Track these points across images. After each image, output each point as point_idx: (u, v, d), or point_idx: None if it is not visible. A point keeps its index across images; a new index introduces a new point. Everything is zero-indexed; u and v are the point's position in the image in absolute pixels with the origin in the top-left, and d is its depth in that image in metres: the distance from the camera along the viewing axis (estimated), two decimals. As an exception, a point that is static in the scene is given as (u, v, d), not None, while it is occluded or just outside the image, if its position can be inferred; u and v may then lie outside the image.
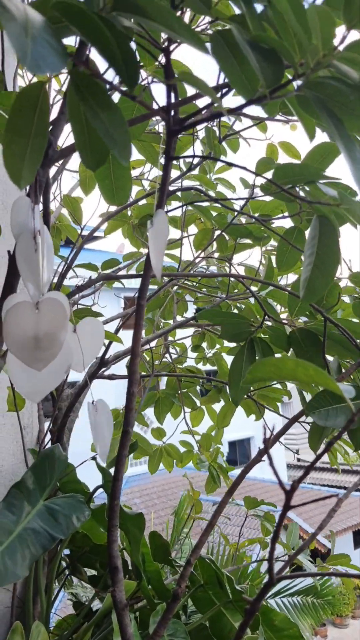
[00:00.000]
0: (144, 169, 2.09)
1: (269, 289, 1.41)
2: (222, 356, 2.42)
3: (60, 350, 0.70)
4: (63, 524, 1.12)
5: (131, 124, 1.01)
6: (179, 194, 1.76)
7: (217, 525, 2.13)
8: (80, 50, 0.69)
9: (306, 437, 1.13)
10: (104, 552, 1.52)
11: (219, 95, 0.91)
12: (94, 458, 1.41)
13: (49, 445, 1.62)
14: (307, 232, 0.90)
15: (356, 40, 0.56)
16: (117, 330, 1.82)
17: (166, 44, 0.69)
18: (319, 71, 0.57)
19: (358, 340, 1.15)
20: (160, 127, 1.47)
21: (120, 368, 1.99)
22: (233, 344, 1.67)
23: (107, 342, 1.57)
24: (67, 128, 0.74)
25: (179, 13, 0.82)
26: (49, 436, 1.65)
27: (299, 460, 17.93)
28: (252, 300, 1.63)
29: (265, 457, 0.65)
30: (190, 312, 2.32)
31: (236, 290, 1.99)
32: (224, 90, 0.90)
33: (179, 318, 2.32)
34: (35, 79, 1.41)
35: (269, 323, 1.29)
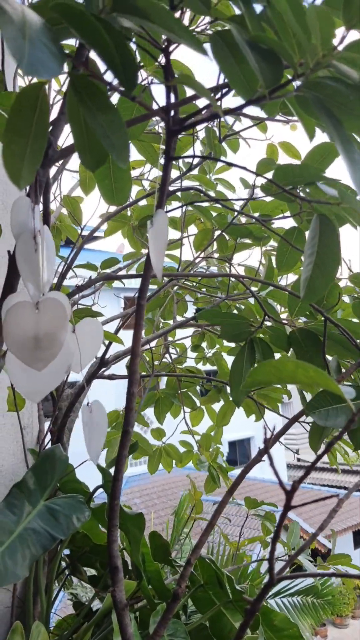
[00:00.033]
0: (143, 169, 2.09)
1: (269, 289, 1.40)
2: (221, 356, 2.42)
3: (60, 350, 0.70)
4: (63, 524, 1.12)
5: (131, 124, 1.02)
6: (178, 194, 1.76)
7: (217, 525, 2.13)
8: (80, 52, 0.69)
9: (306, 437, 1.13)
10: (104, 552, 1.52)
11: (218, 95, 0.91)
12: (94, 458, 1.41)
13: (49, 445, 1.62)
14: (307, 233, 0.90)
15: (356, 40, 0.56)
16: (117, 330, 1.82)
17: (166, 44, 0.69)
18: (318, 71, 0.57)
19: (358, 340, 1.15)
20: (160, 128, 1.47)
21: (120, 368, 1.99)
22: (233, 344, 1.67)
23: (107, 342, 1.57)
24: (67, 128, 0.74)
25: (178, 13, 0.82)
26: (49, 436, 1.65)
27: (299, 460, 17.93)
28: (252, 300, 1.63)
29: (265, 457, 0.65)
30: (190, 312, 2.32)
31: (236, 291, 1.98)
32: (224, 91, 0.90)
33: (178, 318, 2.32)
34: (35, 80, 1.41)
35: (269, 323, 1.29)
